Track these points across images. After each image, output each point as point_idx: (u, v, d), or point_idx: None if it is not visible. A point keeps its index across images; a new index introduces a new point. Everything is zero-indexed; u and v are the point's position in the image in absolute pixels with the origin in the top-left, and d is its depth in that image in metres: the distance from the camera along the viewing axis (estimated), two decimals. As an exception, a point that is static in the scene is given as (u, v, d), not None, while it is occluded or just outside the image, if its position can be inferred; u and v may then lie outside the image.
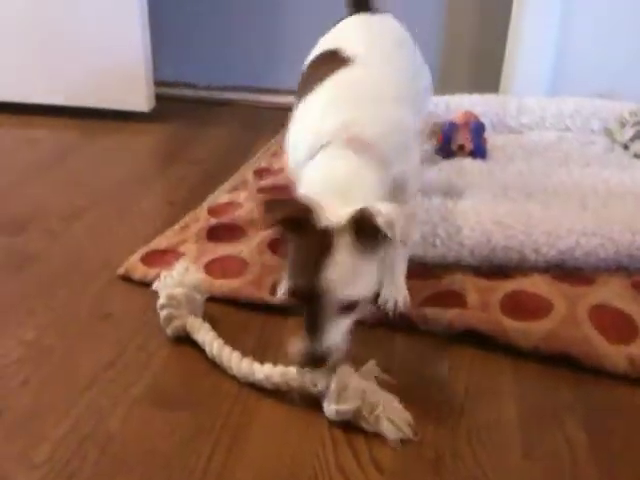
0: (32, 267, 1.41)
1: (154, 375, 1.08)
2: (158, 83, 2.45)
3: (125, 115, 2.37)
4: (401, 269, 1.24)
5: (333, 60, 1.23)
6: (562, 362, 1.10)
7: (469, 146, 1.86)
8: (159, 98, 2.44)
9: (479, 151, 1.87)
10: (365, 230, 0.90)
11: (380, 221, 0.88)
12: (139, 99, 2.35)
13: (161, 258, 1.39)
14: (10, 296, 1.30)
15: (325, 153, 1.04)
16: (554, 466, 0.91)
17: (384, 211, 0.89)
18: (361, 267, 0.92)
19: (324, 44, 1.36)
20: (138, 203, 1.74)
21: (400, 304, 1.21)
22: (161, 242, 1.45)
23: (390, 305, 1.21)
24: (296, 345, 0.95)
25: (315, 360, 0.94)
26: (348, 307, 0.93)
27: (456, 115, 1.95)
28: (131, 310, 1.26)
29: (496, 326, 1.14)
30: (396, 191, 1.10)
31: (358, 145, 1.03)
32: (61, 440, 0.95)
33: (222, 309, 1.24)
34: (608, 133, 1.99)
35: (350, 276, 0.91)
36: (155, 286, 1.19)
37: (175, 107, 2.55)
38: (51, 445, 0.94)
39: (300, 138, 1.14)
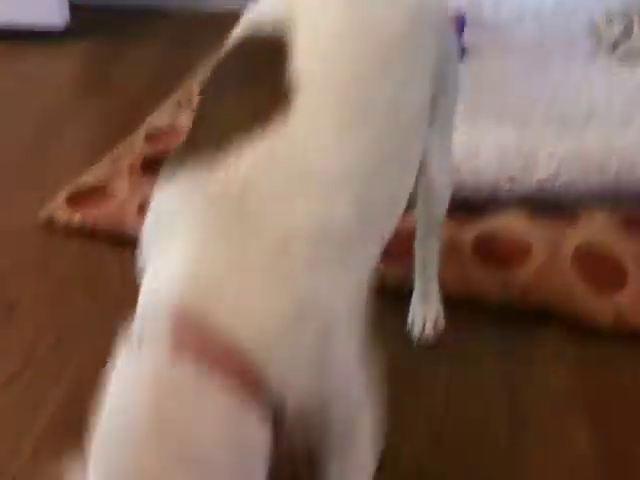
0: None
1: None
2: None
3: (37, 34, 2.04)
4: (434, 273, 0.96)
5: (257, 79, 0.56)
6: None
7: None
8: (75, 9, 2.08)
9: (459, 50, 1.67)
10: None
11: None
12: (50, 12, 2.00)
13: (88, 199, 1.22)
14: None
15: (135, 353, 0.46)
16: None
17: None
18: None
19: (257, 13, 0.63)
20: (57, 139, 1.51)
21: (429, 327, 0.98)
22: (88, 179, 1.27)
23: (417, 328, 0.98)
24: None
25: None
26: None
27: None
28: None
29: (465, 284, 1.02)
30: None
31: (199, 348, 0.44)
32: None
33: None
34: (594, 30, 1.79)
35: None
36: None
37: (97, 20, 2.19)
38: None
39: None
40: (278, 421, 0.47)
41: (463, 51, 1.67)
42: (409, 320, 0.99)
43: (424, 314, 0.98)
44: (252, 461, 0.44)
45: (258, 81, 0.55)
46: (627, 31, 1.69)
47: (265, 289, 0.46)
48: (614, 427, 0.84)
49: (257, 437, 0.45)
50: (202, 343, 0.44)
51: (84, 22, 2.11)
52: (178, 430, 0.41)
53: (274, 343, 0.46)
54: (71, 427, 0.68)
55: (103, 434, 0.43)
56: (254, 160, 0.50)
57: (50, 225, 1.19)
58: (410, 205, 0.85)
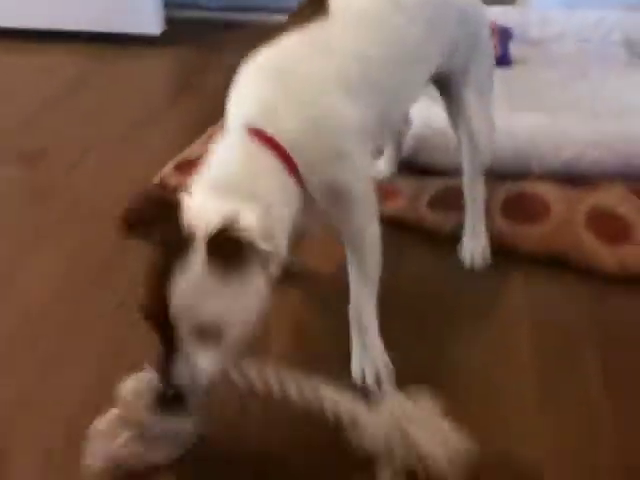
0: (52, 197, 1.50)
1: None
2: (168, 4, 2.41)
3: (136, 39, 2.35)
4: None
5: (314, 8, 0.92)
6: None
7: (497, 51, 1.86)
8: (170, 21, 2.41)
9: (505, 58, 1.88)
10: (224, 248, 0.72)
11: (243, 237, 0.71)
12: (149, 21, 2.34)
13: (193, 167, 1.48)
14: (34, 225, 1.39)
15: (226, 139, 0.86)
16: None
17: (248, 223, 0.71)
18: (220, 287, 0.73)
19: None
20: (155, 129, 1.79)
21: (478, 258, 1.18)
22: (192, 152, 1.55)
23: (468, 259, 1.18)
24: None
25: (167, 400, 0.75)
26: (208, 334, 0.75)
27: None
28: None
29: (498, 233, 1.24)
30: (331, 204, 0.90)
31: (262, 140, 0.82)
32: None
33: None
34: (630, 45, 1.99)
35: (201, 297, 0.73)
36: None
37: (187, 30, 2.49)
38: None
39: (232, 103, 0.91)
40: (305, 190, 0.85)
41: (506, 58, 1.90)
42: (461, 253, 1.20)
43: (473, 247, 1.19)
44: (291, 202, 0.83)
45: (311, 11, 0.91)
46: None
47: (296, 111, 0.83)
48: (621, 354, 1.04)
49: (295, 190, 0.83)
50: (263, 138, 0.82)
51: (178, 32, 2.43)
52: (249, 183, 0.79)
53: (302, 142, 0.83)
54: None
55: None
56: (293, 39, 0.88)
57: (162, 189, 1.44)
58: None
